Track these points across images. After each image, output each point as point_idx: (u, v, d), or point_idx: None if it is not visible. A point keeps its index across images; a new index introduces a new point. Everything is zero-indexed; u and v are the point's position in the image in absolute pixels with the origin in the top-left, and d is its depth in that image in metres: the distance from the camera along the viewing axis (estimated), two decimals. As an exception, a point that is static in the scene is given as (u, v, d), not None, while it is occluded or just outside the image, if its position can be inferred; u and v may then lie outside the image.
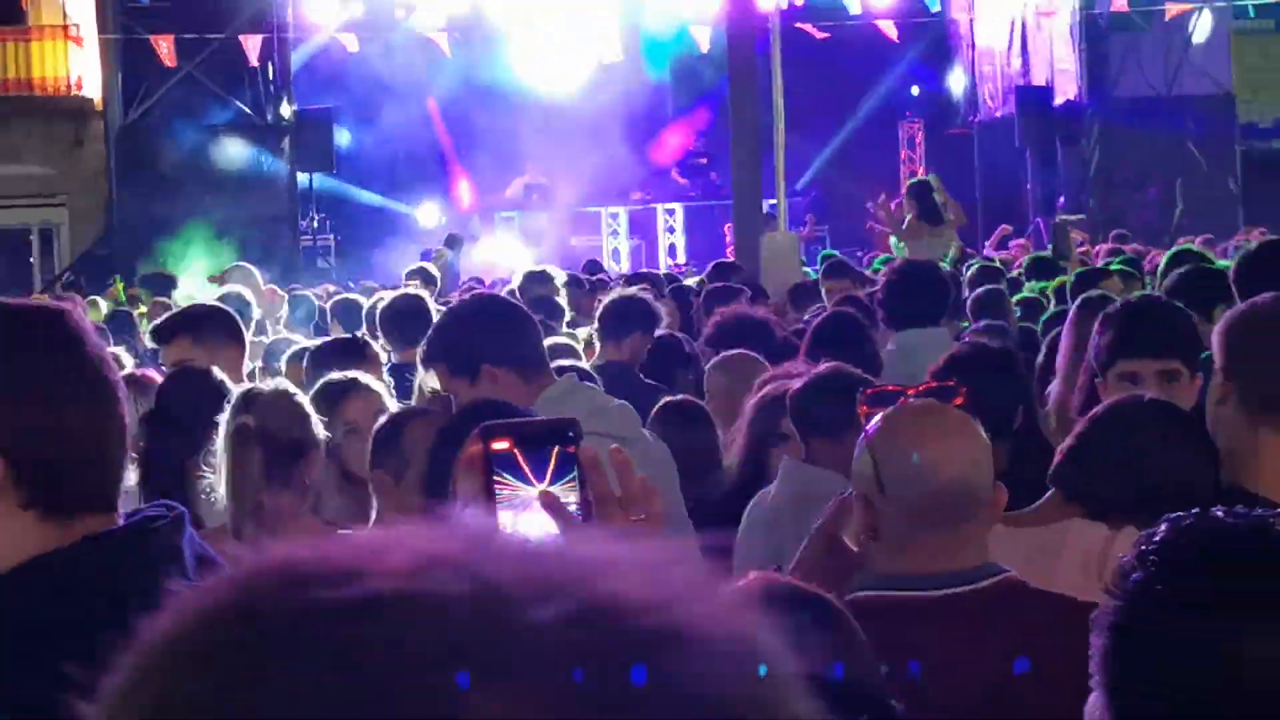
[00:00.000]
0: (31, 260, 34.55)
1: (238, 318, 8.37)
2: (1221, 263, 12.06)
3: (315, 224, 33.12)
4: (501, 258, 30.67)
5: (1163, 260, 12.21)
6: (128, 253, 27.76)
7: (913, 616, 3.73)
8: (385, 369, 8.80)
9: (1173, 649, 2.27)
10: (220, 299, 12.12)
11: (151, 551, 2.79)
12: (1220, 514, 2.41)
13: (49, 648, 2.61)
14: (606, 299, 10.86)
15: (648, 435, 6.20)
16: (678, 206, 34.91)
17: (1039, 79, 34.99)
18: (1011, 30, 35.96)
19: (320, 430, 5.71)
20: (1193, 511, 2.42)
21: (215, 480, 6.12)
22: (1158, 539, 2.35)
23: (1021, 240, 27.31)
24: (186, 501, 6.28)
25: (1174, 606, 2.28)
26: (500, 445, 2.35)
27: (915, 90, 37.20)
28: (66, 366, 2.87)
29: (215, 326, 7.95)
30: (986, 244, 24.53)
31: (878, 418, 4.07)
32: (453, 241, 29.53)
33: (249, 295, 12.01)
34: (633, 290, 11.95)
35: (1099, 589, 2.60)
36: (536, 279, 14.74)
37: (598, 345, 9.63)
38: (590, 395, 6.07)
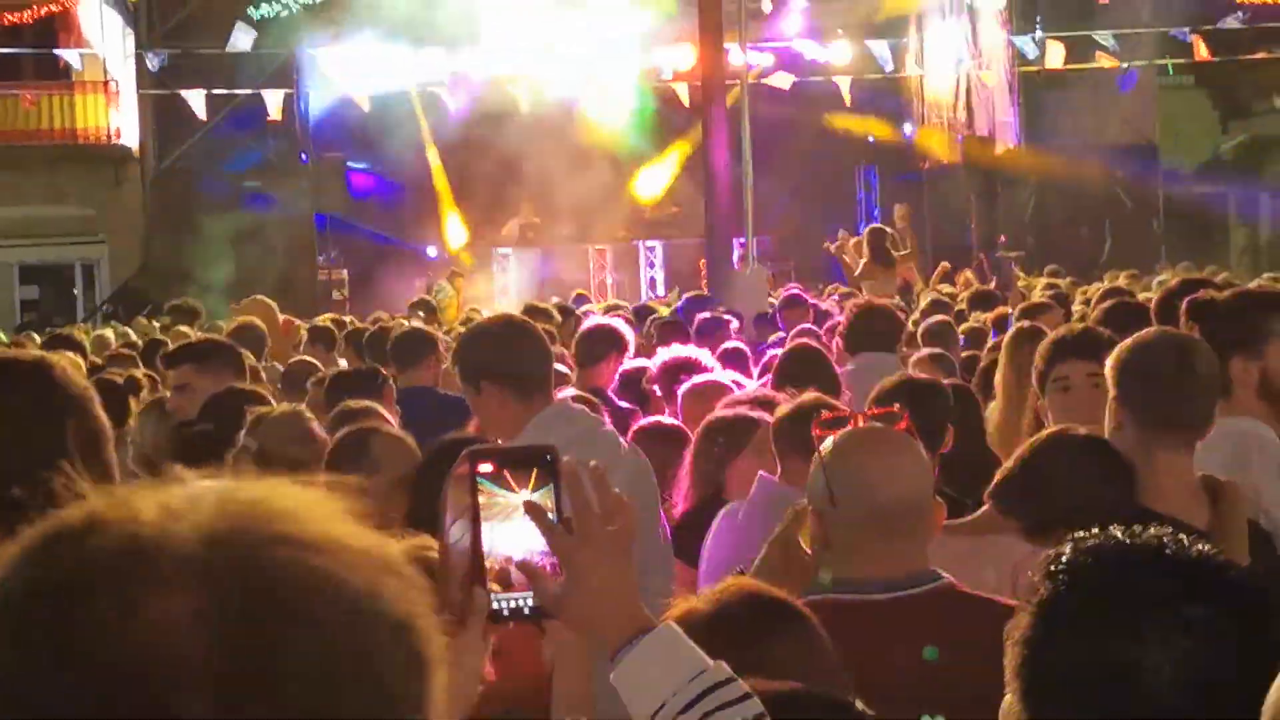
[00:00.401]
0: (75, 292, 34.61)
1: (238, 350, 8.39)
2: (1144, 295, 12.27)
3: (329, 260, 33.09)
4: (497, 291, 30.72)
5: (1095, 297, 12.44)
6: (160, 286, 27.67)
7: (862, 618, 3.72)
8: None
9: (1076, 658, 2.31)
10: (234, 329, 12.17)
11: None
12: (1119, 534, 2.43)
13: None
14: (581, 327, 10.91)
15: (631, 455, 6.12)
16: (657, 244, 34.93)
17: (981, 130, 35.02)
18: (957, 86, 35.99)
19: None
20: (1094, 532, 2.46)
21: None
22: (1064, 558, 2.39)
23: (968, 273, 27.36)
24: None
25: (1076, 619, 2.32)
26: (485, 467, 2.36)
27: (871, 138, 37.19)
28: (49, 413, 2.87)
29: (217, 357, 8.01)
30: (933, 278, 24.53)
31: (830, 439, 4.09)
32: (453, 276, 29.57)
33: (261, 325, 12.05)
34: (605, 319, 12.01)
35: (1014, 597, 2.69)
36: (532, 313, 14.77)
37: (575, 371, 9.65)
38: (577, 418, 6.02)
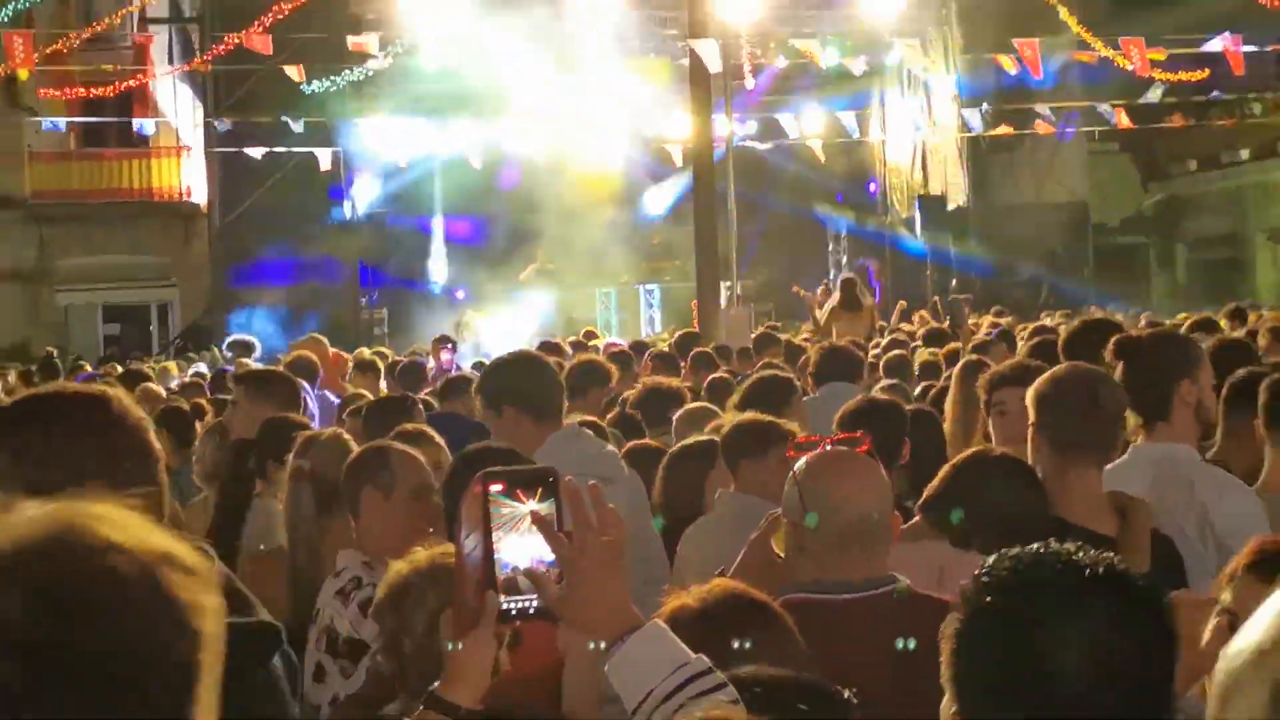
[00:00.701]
0: (151, 329, 34.60)
1: (292, 379, 8.34)
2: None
3: (371, 301, 33.09)
4: (517, 328, 30.69)
5: (1028, 334, 12.46)
6: (224, 324, 27.65)
7: (831, 615, 3.77)
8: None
9: (999, 656, 2.33)
10: (290, 360, 12.18)
11: None
12: (1039, 547, 2.45)
13: None
14: (569, 364, 10.95)
15: (627, 475, 6.14)
16: (655, 287, 34.90)
17: (935, 189, 34.96)
18: (914, 150, 35.99)
19: None
20: (1022, 546, 2.47)
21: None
22: (989, 567, 2.41)
23: (923, 313, 27.32)
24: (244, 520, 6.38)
25: (999, 620, 2.34)
26: (496, 487, 2.40)
27: (839, 198, 37.17)
28: (97, 436, 2.86)
29: (273, 383, 8.01)
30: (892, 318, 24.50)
31: (803, 460, 4.14)
32: (464, 319, 29.53)
33: (314, 357, 12.06)
34: (588, 355, 12.05)
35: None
36: (547, 347, 14.78)
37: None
38: (585, 442, 6.04)
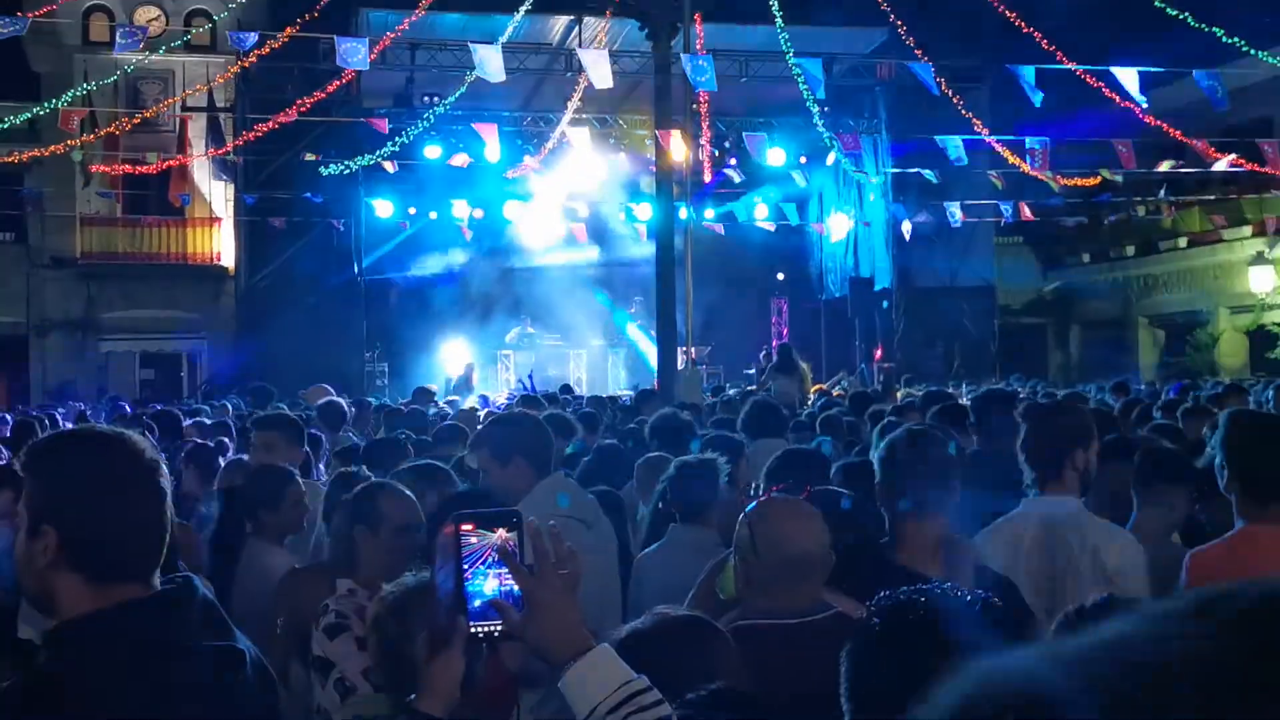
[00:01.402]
0: (182, 375, 34.54)
1: (299, 424, 8.35)
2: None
3: (375, 355, 33.09)
4: (500, 381, 30.70)
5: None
6: (246, 373, 27.55)
7: (777, 638, 3.86)
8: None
9: (880, 676, 2.52)
10: (323, 406, 12.25)
11: (170, 615, 2.79)
12: (903, 592, 2.68)
13: (84, 690, 2.66)
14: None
15: (602, 517, 6.15)
16: (621, 349, 35.07)
17: (865, 271, 35.19)
18: (847, 238, 36.24)
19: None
20: (892, 590, 2.73)
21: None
22: (875, 604, 2.69)
23: (853, 376, 27.43)
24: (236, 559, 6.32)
25: (878, 648, 2.56)
26: (467, 527, 2.47)
27: (781, 276, 37.36)
28: (118, 476, 2.85)
29: (286, 426, 8.03)
30: (826, 383, 24.56)
31: (752, 505, 4.28)
32: (470, 370, 29.53)
33: (342, 402, 12.12)
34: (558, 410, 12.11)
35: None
36: (527, 401, 14.78)
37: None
38: (569, 485, 6.12)
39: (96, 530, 2.74)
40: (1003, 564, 5.10)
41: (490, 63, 21.98)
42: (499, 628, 2.45)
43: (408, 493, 5.23)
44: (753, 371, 22.75)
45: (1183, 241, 35.29)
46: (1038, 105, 22.62)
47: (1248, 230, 32.94)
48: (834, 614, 3.97)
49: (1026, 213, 32.29)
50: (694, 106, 26.97)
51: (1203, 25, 22.47)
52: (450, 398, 21.94)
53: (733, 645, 3.50)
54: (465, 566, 2.45)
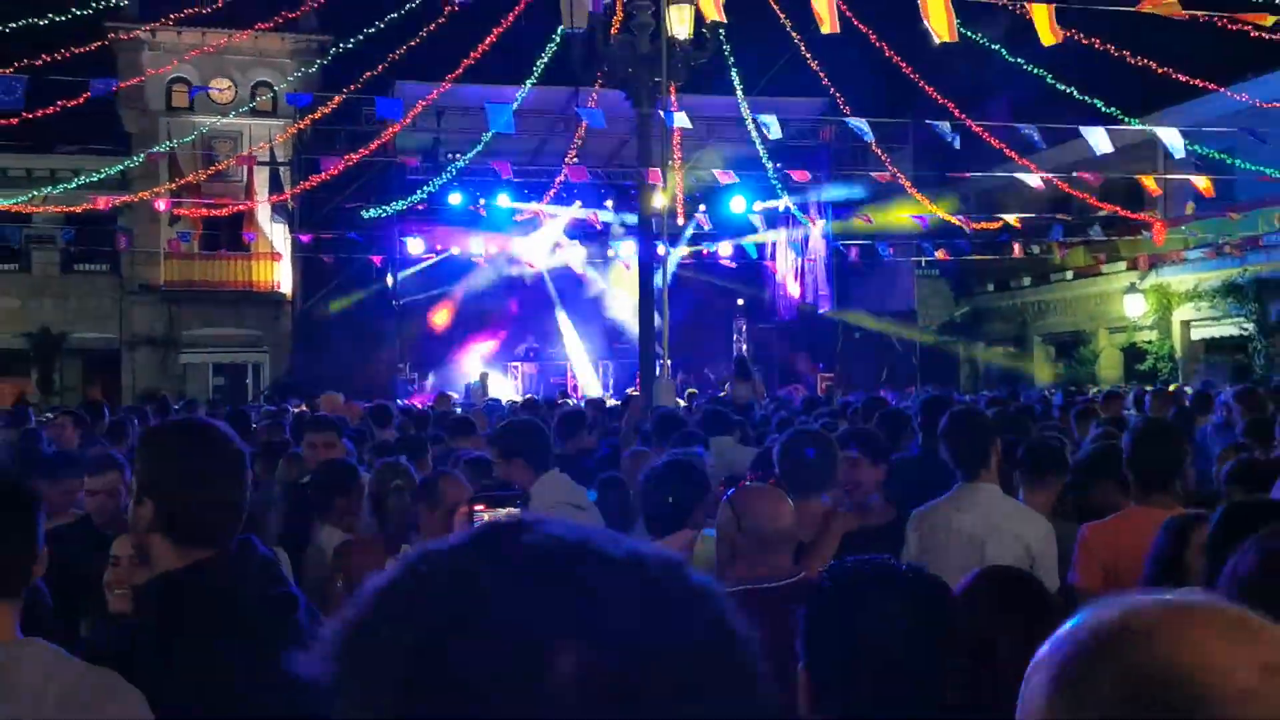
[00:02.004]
0: (247, 382, 34.47)
1: (337, 424, 8.30)
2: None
3: (407, 366, 33.02)
4: (510, 388, 30.64)
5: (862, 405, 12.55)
6: (300, 382, 27.51)
7: (756, 600, 3.76)
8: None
9: (828, 630, 2.49)
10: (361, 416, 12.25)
11: (233, 569, 2.84)
12: (849, 559, 2.69)
13: (167, 637, 2.75)
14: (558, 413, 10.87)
15: (593, 505, 6.22)
16: (610, 362, 34.97)
17: (809, 298, 35.21)
18: (795, 269, 36.24)
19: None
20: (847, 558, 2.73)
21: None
22: (825, 573, 2.66)
23: (798, 385, 27.40)
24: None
25: (827, 607, 2.53)
26: (479, 506, 2.48)
27: (740, 301, 37.32)
28: (207, 455, 2.91)
29: (330, 427, 7.99)
30: (780, 390, 24.54)
31: (733, 490, 4.28)
32: (484, 379, 29.47)
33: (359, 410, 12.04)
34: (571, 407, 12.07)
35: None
36: (528, 405, 14.76)
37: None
38: (562, 481, 6.07)
39: (184, 504, 2.80)
40: (940, 539, 5.16)
41: (502, 117, 22.03)
42: None
43: (463, 479, 5.32)
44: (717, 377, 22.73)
45: (1070, 274, 35.37)
46: (957, 147, 22.55)
47: (1122, 265, 33.08)
48: (801, 579, 3.97)
49: (942, 253, 32.50)
50: (670, 163, 26.99)
51: (1085, 97, 22.58)
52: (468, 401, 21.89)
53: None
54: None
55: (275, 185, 33.18)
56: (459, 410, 16.45)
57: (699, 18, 17.34)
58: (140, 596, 2.88)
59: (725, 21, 18.07)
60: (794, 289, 36.20)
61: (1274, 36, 15.33)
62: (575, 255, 34.90)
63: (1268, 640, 1.06)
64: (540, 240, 33.52)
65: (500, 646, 0.78)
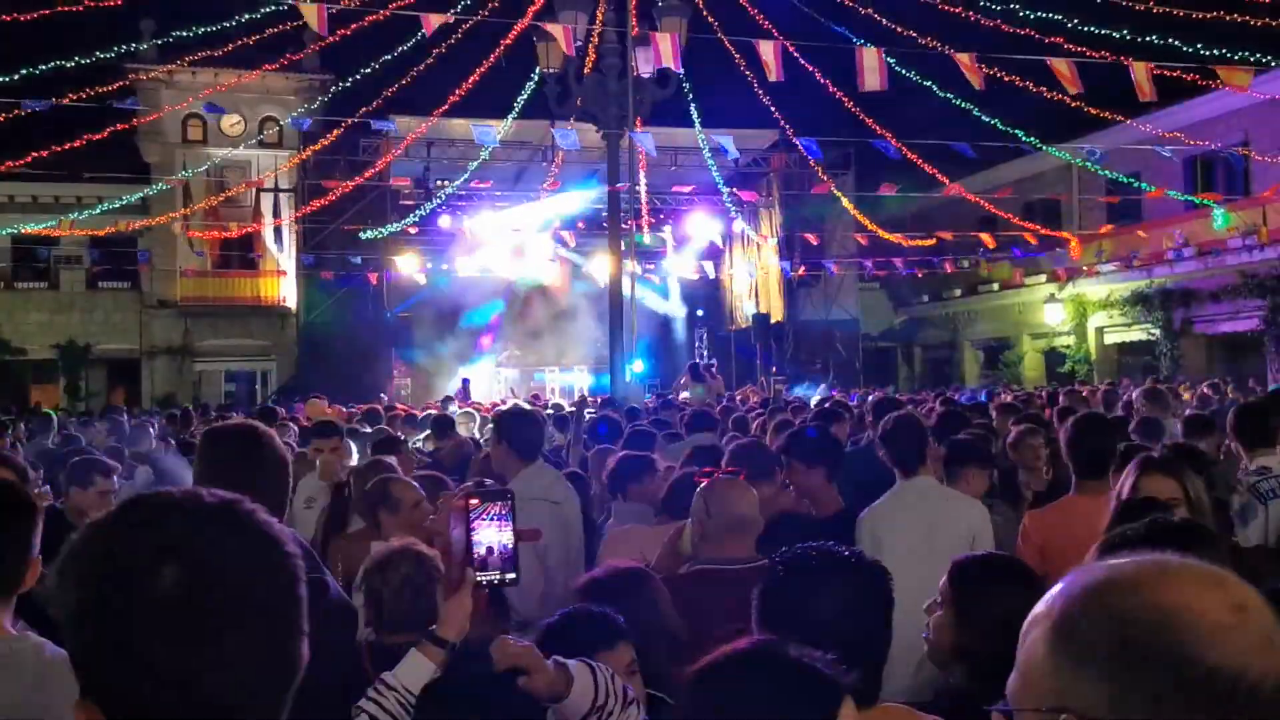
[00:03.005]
0: (256, 388, 34.27)
1: (341, 429, 8.10)
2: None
3: (399, 374, 32.92)
4: (494, 392, 30.55)
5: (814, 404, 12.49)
6: (303, 388, 27.35)
7: (723, 580, 3.87)
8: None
9: (779, 606, 2.54)
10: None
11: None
12: (799, 546, 2.71)
13: None
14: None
15: (572, 495, 6.03)
16: (585, 368, 34.94)
17: (764, 309, 35.23)
18: (750, 284, 36.34)
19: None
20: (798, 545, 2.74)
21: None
22: (783, 555, 2.69)
23: (754, 386, 27.44)
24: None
25: (778, 587, 2.60)
26: (474, 501, 2.43)
27: (700, 312, 37.37)
28: (251, 457, 3.00)
29: (335, 432, 7.78)
30: (737, 392, 24.54)
31: (705, 483, 4.31)
32: (466, 384, 29.34)
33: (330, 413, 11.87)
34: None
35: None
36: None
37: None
38: (547, 471, 5.91)
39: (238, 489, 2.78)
40: (889, 524, 5.10)
41: (489, 136, 22.10)
42: (497, 578, 2.43)
43: (413, 482, 5.21)
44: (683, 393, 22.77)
45: (996, 286, 35.60)
46: (895, 158, 22.61)
47: (1043, 278, 33.30)
48: (760, 564, 3.91)
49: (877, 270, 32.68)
50: (635, 188, 27.00)
51: (1008, 128, 22.70)
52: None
53: (660, 584, 3.59)
54: (472, 529, 2.42)
55: (281, 210, 33.09)
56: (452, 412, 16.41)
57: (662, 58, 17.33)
58: None
59: (681, 71, 18.17)
60: (749, 300, 36.28)
61: (1075, 103, 15.44)
62: (552, 271, 34.78)
63: (1232, 586, 1.15)
64: (520, 257, 33.42)
65: (129, 562, 1.17)
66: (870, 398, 15.15)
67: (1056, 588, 1.21)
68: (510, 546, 2.44)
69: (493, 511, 2.44)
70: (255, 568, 1.21)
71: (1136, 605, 1.13)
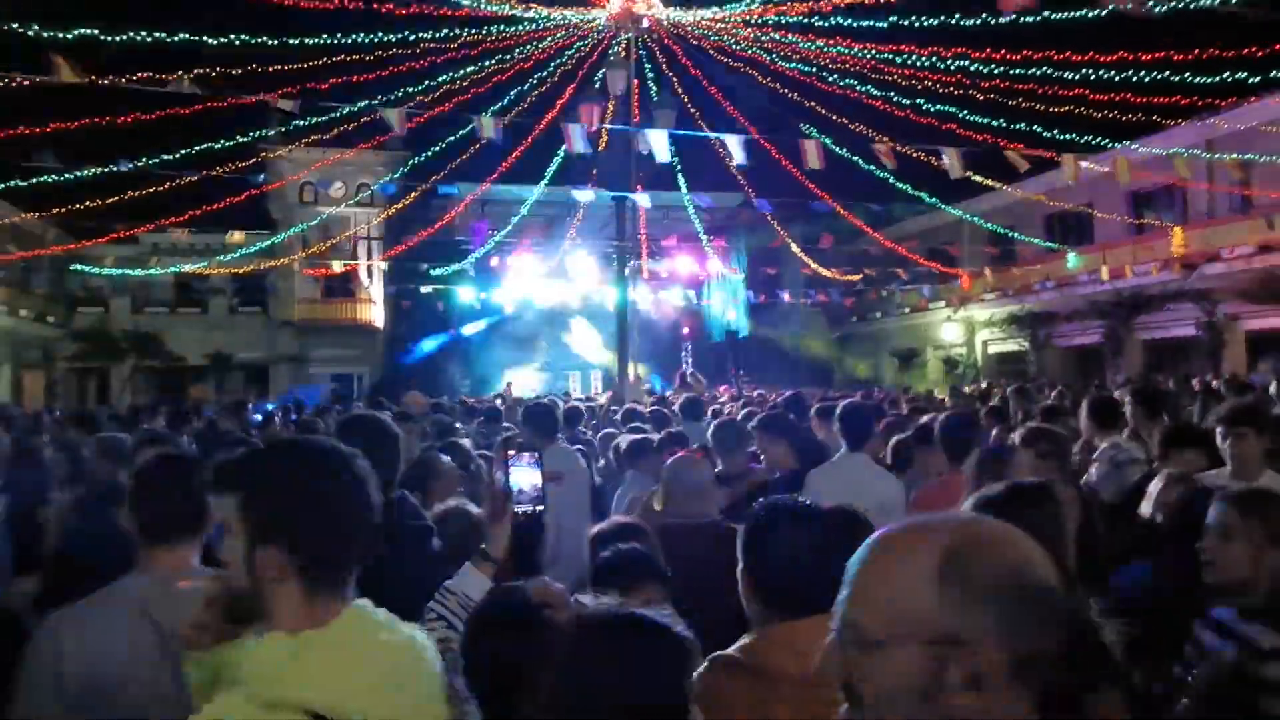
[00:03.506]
0: (354, 388, 33.73)
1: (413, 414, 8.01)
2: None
3: (461, 375, 32.85)
4: (529, 393, 30.56)
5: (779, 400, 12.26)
6: (388, 386, 27.37)
7: (687, 533, 3.70)
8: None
9: (762, 545, 2.37)
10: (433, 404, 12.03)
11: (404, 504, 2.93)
12: (774, 497, 2.57)
13: None
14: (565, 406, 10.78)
15: (582, 464, 6.09)
16: (601, 369, 34.80)
17: (735, 327, 35.22)
18: (724, 307, 36.28)
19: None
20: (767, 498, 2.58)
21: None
22: (763, 502, 2.51)
23: (728, 385, 27.42)
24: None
25: (760, 528, 2.40)
26: (511, 451, 2.41)
27: (686, 330, 37.21)
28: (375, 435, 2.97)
29: (412, 421, 7.75)
30: (715, 390, 24.49)
31: (671, 459, 4.16)
32: (509, 385, 29.26)
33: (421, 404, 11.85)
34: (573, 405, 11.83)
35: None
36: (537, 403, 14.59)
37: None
38: (562, 450, 5.94)
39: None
40: (826, 490, 4.70)
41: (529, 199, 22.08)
42: (530, 509, 2.36)
43: (449, 460, 5.03)
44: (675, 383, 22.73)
45: (907, 310, 35.62)
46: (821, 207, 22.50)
47: (942, 304, 33.32)
48: (713, 519, 3.89)
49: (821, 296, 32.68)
50: (638, 236, 27.10)
51: (907, 188, 22.74)
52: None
53: (653, 535, 3.35)
54: (510, 473, 2.37)
55: (372, 253, 33.10)
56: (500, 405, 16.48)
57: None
58: None
59: (671, 159, 18.23)
60: (724, 320, 36.25)
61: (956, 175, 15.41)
62: (575, 295, 34.61)
63: (1026, 540, 1.14)
64: (552, 287, 33.39)
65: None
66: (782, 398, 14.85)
67: (929, 537, 1.13)
68: (539, 486, 2.37)
69: (525, 460, 2.40)
70: None
71: (1016, 558, 1.10)
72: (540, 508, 2.37)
